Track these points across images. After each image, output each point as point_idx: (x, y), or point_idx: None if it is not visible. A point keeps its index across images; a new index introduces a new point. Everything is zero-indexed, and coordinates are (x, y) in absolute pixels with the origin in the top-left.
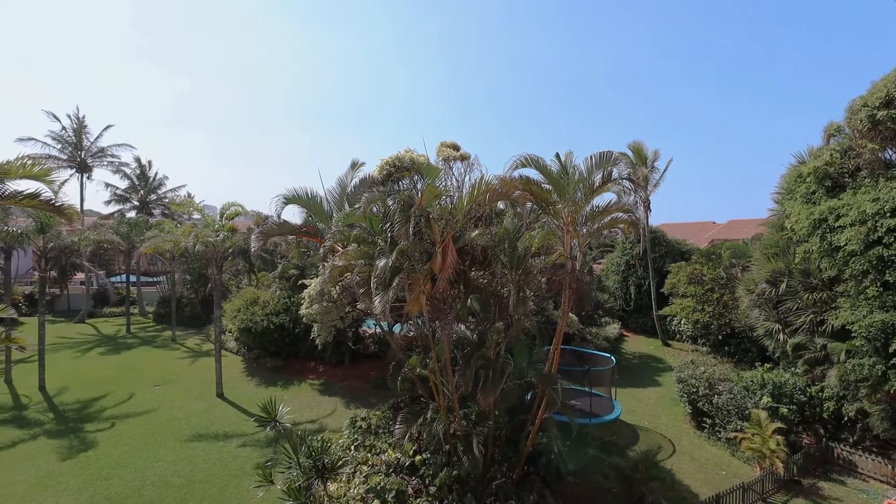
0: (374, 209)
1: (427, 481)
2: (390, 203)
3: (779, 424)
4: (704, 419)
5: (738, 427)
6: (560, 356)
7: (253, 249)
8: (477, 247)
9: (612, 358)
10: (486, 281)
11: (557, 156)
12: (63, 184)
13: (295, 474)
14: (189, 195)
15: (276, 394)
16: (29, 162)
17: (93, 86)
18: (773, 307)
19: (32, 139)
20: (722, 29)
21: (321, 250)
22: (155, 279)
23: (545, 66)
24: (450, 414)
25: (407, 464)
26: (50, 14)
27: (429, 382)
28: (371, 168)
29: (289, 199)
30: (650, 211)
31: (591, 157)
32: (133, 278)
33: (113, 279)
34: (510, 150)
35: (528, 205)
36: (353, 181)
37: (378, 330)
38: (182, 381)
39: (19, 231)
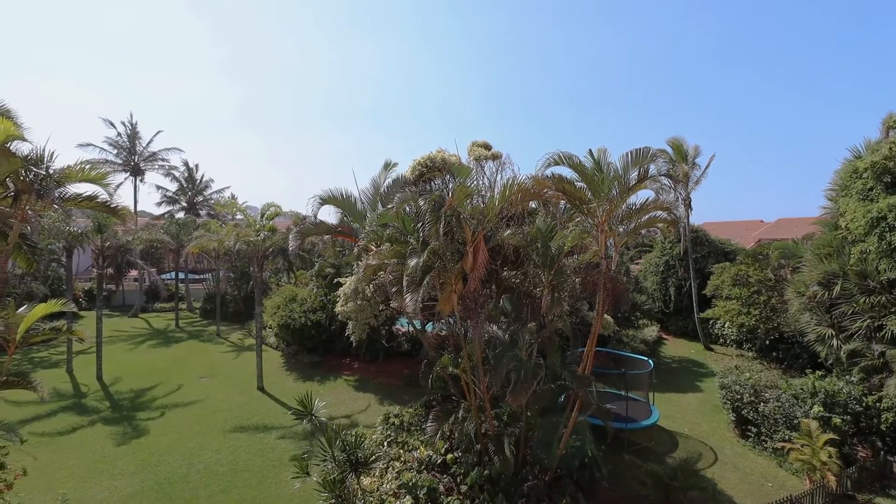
0: (407, 209)
1: (458, 480)
2: (422, 203)
3: (831, 435)
4: (749, 428)
5: (787, 437)
6: (595, 358)
7: (291, 248)
8: (509, 246)
9: (650, 361)
10: (518, 281)
11: (591, 152)
12: (118, 187)
13: (330, 467)
14: (233, 196)
15: (313, 388)
16: (87, 166)
17: (149, 93)
18: (826, 311)
19: (91, 145)
20: (771, 17)
21: (356, 249)
22: (201, 276)
23: (579, 62)
24: (481, 413)
25: (438, 461)
26: (112, 25)
27: (460, 381)
28: (403, 168)
29: (325, 200)
30: (691, 209)
31: (627, 153)
32: (181, 275)
33: (163, 276)
34: (542, 149)
35: (562, 204)
36: (386, 181)
37: (411, 328)
38: (226, 373)
39: (79, 231)
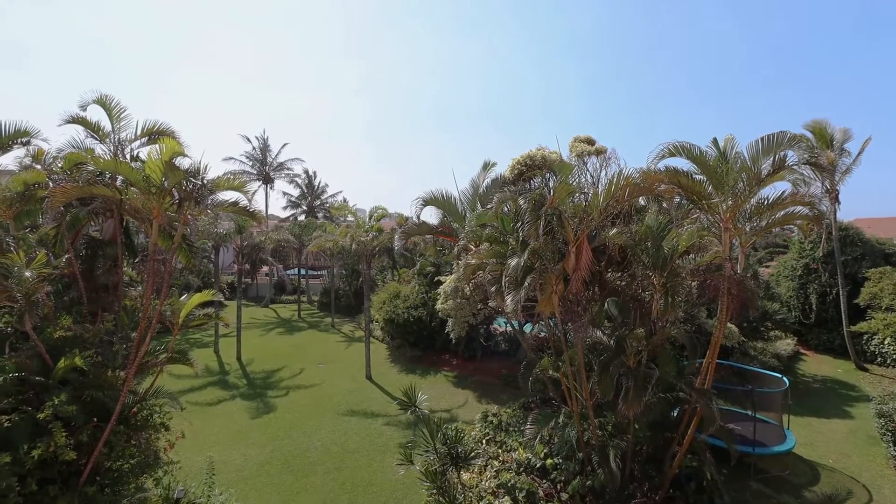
0: (506, 209)
1: (559, 487)
2: (522, 202)
3: None
4: None
5: None
6: (716, 372)
7: (396, 248)
8: (614, 246)
9: (785, 379)
10: (624, 283)
11: (715, 141)
12: (253, 194)
13: (432, 458)
14: (344, 200)
15: (415, 381)
16: (231, 177)
17: (279, 110)
18: None
19: (232, 158)
20: None
21: (455, 249)
22: (319, 273)
23: (688, 47)
24: (584, 421)
25: (538, 465)
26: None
27: (561, 386)
28: (502, 168)
29: (426, 202)
30: (839, 203)
31: (757, 140)
32: (303, 271)
33: (288, 272)
34: (650, 144)
35: (676, 199)
36: (485, 182)
37: (508, 328)
38: (339, 361)
39: (224, 232)
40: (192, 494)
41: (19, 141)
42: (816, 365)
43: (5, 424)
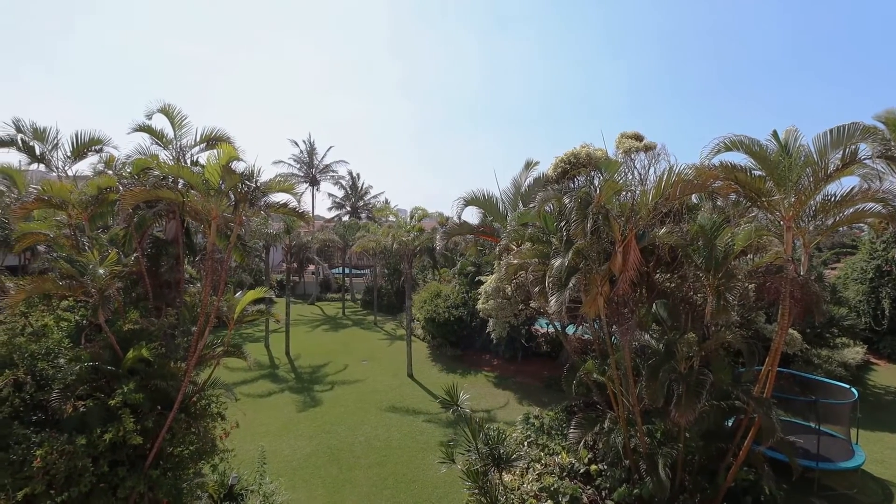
0: (549, 208)
1: (603, 494)
2: (566, 201)
3: None
4: None
5: None
6: (776, 380)
7: (437, 248)
8: (664, 246)
9: (853, 390)
10: (674, 285)
11: (775, 134)
12: (301, 195)
13: (473, 458)
14: (386, 201)
15: (456, 380)
16: (281, 179)
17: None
18: None
19: (281, 161)
20: None
21: (497, 249)
22: (362, 272)
23: (739, 39)
24: (631, 427)
25: (581, 471)
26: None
27: (606, 390)
28: (545, 166)
29: (468, 201)
30: None
31: (826, 132)
32: (347, 270)
33: (333, 270)
34: (699, 142)
35: (732, 196)
36: (527, 181)
37: (550, 330)
38: (382, 359)
39: (274, 232)
40: (245, 482)
41: (93, 148)
42: (890, 376)
43: (81, 409)
